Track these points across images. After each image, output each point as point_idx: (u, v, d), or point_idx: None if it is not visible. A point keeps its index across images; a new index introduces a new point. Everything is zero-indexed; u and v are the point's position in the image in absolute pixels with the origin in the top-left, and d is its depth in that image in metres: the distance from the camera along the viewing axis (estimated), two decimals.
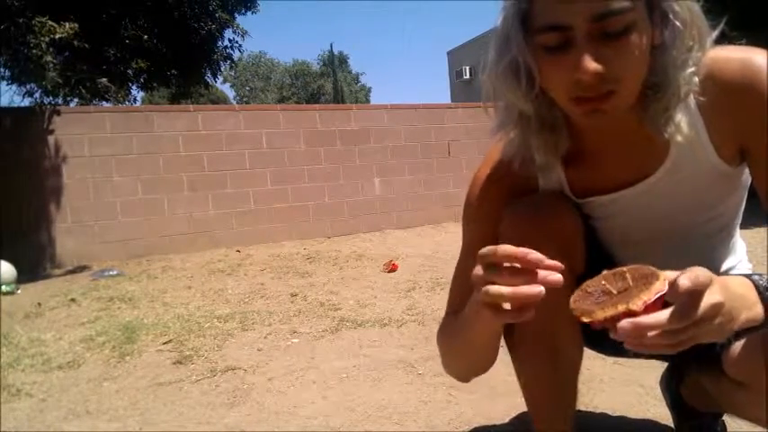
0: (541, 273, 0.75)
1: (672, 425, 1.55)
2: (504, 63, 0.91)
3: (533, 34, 0.87)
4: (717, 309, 0.70)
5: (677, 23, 0.85)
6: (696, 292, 0.68)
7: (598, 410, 1.74)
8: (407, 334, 2.76)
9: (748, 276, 0.78)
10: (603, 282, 0.76)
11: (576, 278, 1.11)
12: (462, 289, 1.15)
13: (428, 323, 2.90)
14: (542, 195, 1.10)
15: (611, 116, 0.88)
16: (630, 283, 0.73)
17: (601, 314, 0.71)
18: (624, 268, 0.76)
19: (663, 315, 0.68)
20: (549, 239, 1.04)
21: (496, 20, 0.92)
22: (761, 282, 0.78)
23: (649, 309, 0.69)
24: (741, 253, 1.21)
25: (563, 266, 0.76)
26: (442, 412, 1.83)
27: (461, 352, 1.13)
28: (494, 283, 0.75)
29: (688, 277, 0.67)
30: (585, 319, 0.73)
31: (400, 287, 3.84)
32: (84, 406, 2.11)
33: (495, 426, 1.71)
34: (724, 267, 1.16)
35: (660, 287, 0.70)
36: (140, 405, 2.09)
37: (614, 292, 0.74)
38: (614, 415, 1.71)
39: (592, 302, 0.74)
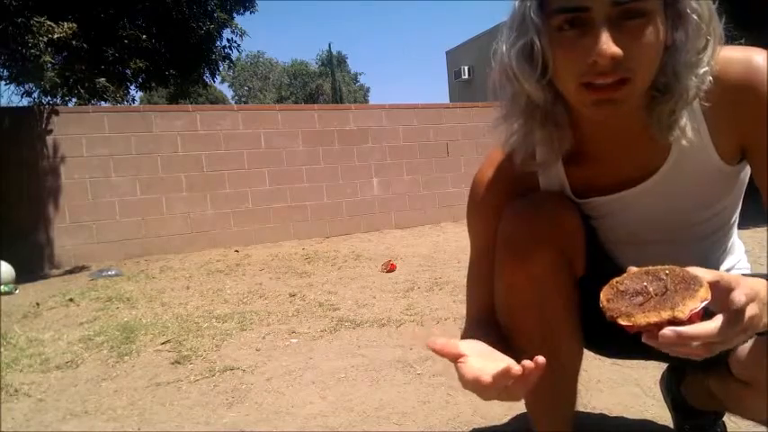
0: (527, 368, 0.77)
1: (670, 425, 1.55)
2: (519, 46, 0.90)
3: (550, 16, 0.86)
4: (755, 321, 0.70)
5: (692, 24, 0.85)
6: (748, 306, 0.68)
7: (596, 411, 1.74)
8: (406, 334, 2.76)
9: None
10: (637, 282, 0.74)
11: (577, 278, 1.11)
12: (480, 295, 1.15)
13: (427, 323, 2.90)
14: (542, 194, 1.10)
15: (621, 108, 0.87)
16: (669, 286, 0.71)
17: (643, 319, 0.69)
18: (658, 268, 0.74)
19: (709, 327, 0.67)
20: (548, 238, 1.04)
21: (513, 3, 0.91)
22: None
23: (693, 317, 0.68)
24: (740, 253, 1.21)
25: (541, 361, 0.77)
26: (440, 412, 1.83)
27: None
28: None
29: (745, 294, 0.67)
30: (623, 322, 0.70)
31: (399, 287, 3.83)
32: (83, 406, 2.11)
33: (494, 426, 1.71)
34: (723, 267, 1.16)
35: (705, 295, 0.68)
36: (139, 405, 2.09)
37: (652, 293, 0.71)
38: (612, 416, 1.71)
39: (629, 303, 0.72)
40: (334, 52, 43.11)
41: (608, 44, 0.80)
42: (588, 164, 1.04)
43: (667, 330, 0.67)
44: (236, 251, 6.36)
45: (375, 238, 7.04)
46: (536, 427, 1.22)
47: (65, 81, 6.11)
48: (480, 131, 8.13)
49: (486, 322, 1.09)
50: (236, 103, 39.47)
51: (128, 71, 7.27)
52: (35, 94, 6.02)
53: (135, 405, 2.09)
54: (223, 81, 39.55)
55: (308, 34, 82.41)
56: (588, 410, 1.74)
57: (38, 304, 4.05)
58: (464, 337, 1.19)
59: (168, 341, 2.85)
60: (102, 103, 7.15)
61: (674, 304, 0.68)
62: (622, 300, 0.73)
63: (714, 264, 1.15)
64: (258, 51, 44.39)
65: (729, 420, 1.46)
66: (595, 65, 0.82)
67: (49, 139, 6.09)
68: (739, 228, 1.19)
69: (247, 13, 8.26)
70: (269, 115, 7.24)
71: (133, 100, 9.16)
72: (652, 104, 0.91)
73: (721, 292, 0.70)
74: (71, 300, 4.10)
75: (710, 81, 0.90)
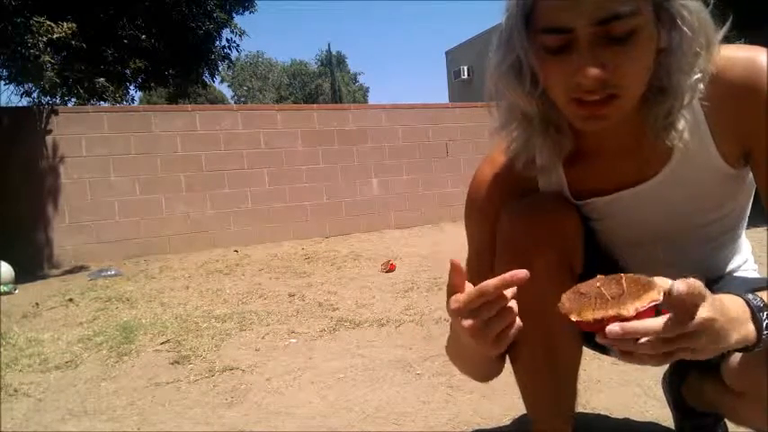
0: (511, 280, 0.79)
1: (671, 425, 1.55)
2: (507, 63, 0.91)
3: (536, 34, 0.86)
4: (708, 324, 0.69)
5: (685, 28, 0.84)
6: (691, 301, 0.67)
7: (596, 411, 1.74)
8: (406, 334, 2.76)
9: (742, 295, 0.78)
10: (598, 284, 0.75)
11: (576, 278, 1.11)
12: None
13: (426, 323, 2.90)
14: (541, 196, 1.10)
15: (610, 122, 0.87)
16: (625, 289, 0.72)
17: (590, 315, 0.71)
18: (621, 274, 0.75)
19: (654, 321, 0.68)
20: (547, 239, 1.04)
21: (501, 18, 0.91)
22: (755, 302, 0.77)
23: (641, 316, 0.68)
24: (746, 252, 1.20)
25: (525, 272, 0.78)
26: (440, 412, 1.83)
27: (468, 366, 1.18)
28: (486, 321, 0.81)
29: (686, 282, 0.67)
30: (573, 318, 0.73)
31: (398, 287, 3.84)
32: (82, 406, 2.11)
33: (493, 426, 1.71)
34: (730, 267, 1.15)
35: (655, 297, 0.69)
36: (138, 405, 2.09)
37: (608, 296, 0.73)
38: (612, 416, 1.71)
39: (583, 303, 0.74)
40: (334, 52, 43.14)
41: (593, 65, 0.80)
42: (587, 164, 1.04)
43: (613, 325, 0.68)
44: (236, 251, 6.36)
45: (374, 238, 7.04)
46: (535, 428, 1.22)
47: (64, 81, 6.10)
48: (480, 131, 8.13)
49: None
50: (235, 103, 39.44)
51: (127, 71, 7.27)
52: (34, 94, 6.01)
53: (134, 405, 2.09)
54: (222, 81, 39.52)
55: (308, 34, 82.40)
56: (588, 410, 1.74)
57: (37, 304, 4.05)
58: (450, 338, 1.19)
59: (167, 341, 2.85)
60: (102, 102, 7.15)
61: (622, 303, 0.70)
62: (580, 301, 0.75)
63: (722, 263, 1.15)
64: (257, 51, 44.36)
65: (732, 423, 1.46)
66: (580, 85, 0.83)
67: (49, 138, 6.08)
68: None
69: (247, 13, 8.27)
70: (268, 115, 7.23)
71: (132, 100, 9.17)
72: (647, 106, 0.91)
73: (677, 300, 0.69)
74: (70, 300, 4.10)
75: (711, 81, 0.89)
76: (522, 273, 0.77)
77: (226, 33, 8.19)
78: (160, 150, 6.57)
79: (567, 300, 0.76)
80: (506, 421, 1.73)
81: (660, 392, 1.61)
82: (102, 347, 2.81)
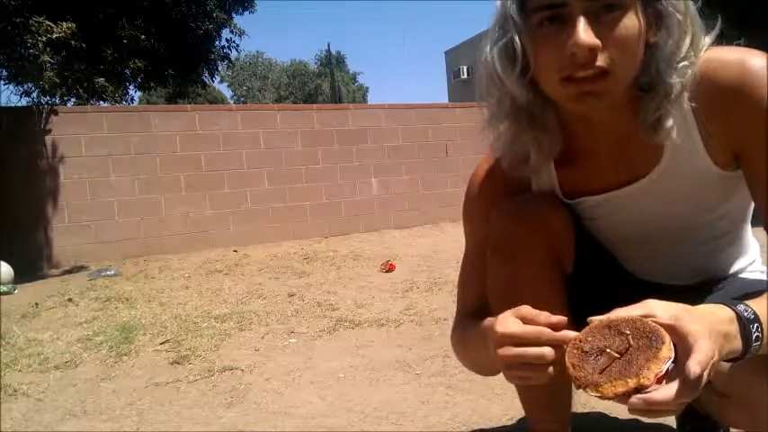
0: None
1: (670, 425, 1.55)
2: (500, 45, 0.90)
3: (530, 14, 0.86)
4: (714, 367, 0.71)
5: (672, 20, 0.85)
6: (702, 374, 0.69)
7: (594, 411, 1.74)
8: (405, 334, 2.76)
9: (733, 308, 0.79)
10: (600, 339, 0.74)
11: (565, 277, 1.12)
12: (474, 289, 1.15)
13: (426, 323, 2.90)
14: (529, 195, 1.10)
15: (604, 101, 0.87)
16: (632, 342, 0.71)
17: (610, 390, 0.70)
18: (619, 320, 0.74)
19: (672, 391, 0.69)
20: (534, 238, 1.05)
21: (495, 4, 0.92)
22: (746, 314, 0.78)
23: (660, 380, 0.69)
24: (754, 253, 1.19)
25: (566, 319, 0.81)
26: (439, 412, 1.83)
27: (475, 361, 1.16)
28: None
29: (699, 362, 0.68)
30: (592, 393, 0.72)
31: (398, 287, 3.84)
32: (82, 406, 2.11)
33: (492, 426, 1.71)
34: (735, 268, 1.15)
35: (667, 354, 0.69)
36: (137, 405, 2.09)
37: (615, 354, 0.72)
38: (612, 416, 1.71)
39: (593, 369, 0.72)
40: (333, 52, 43.11)
41: (586, 33, 0.81)
42: (578, 164, 1.04)
43: (635, 400, 0.69)
44: (235, 251, 6.35)
45: (374, 238, 7.04)
46: (533, 428, 1.22)
47: (64, 81, 6.09)
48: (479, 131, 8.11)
49: (478, 319, 1.10)
50: (234, 102, 39.41)
51: (127, 71, 7.25)
52: (34, 94, 6.01)
53: (134, 405, 2.09)
54: (222, 81, 39.53)
55: (307, 34, 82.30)
56: (587, 410, 1.74)
57: (37, 304, 4.05)
58: (455, 331, 1.19)
59: (167, 341, 2.85)
60: (101, 102, 7.13)
61: (638, 369, 0.69)
62: (587, 363, 0.73)
63: (725, 264, 1.14)
64: (257, 51, 44.32)
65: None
66: (574, 57, 0.82)
67: (48, 138, 6.08)
68: None
69: (246, 12, 8.26)
70: (268, 115, 7.24)
71: (132, 100, 9.16)
72: (637, 104, 0.91)
73: (678, 339, 0.71)
74: (70, 300, 4.10)
75: (701, 79, 0.89)
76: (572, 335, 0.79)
77: (225, 33, 8.18)
78: (159, 150, 6.57)
79: (574, 366, 0.74)
80: (505, 421, 1.73)
81: None
82: (102, 347, 2.81)
